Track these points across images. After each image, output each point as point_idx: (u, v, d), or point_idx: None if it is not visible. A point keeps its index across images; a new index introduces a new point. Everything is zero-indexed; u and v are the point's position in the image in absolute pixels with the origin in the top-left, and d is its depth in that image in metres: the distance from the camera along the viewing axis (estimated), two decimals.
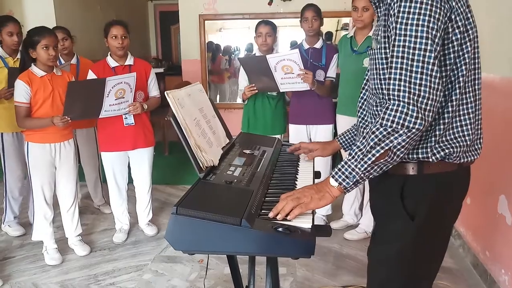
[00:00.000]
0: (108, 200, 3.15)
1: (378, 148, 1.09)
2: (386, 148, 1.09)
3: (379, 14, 1.27)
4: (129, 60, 2.77)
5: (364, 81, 1.47)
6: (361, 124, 1.37)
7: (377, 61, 1.23)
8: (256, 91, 2.82)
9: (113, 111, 2.62)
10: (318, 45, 2.90)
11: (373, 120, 1.27)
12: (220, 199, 1.23)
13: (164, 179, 4.14)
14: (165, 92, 1.35)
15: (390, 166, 1.15)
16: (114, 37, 2.66)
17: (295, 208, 1.14)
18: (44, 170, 2.56)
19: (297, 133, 2.99)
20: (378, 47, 1.21)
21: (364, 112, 1.39)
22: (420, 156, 1.19)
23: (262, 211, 1.18)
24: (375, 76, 1.25)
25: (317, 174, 1.60)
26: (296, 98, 2.98)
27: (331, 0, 4.61)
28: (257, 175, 1.40)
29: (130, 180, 3.00)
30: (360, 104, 1.44)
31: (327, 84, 2.91)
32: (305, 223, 1.12)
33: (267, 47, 2.88)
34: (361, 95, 1.46)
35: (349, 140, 1.58)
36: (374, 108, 1.27)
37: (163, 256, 2.76)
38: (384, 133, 1.09)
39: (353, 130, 1.58)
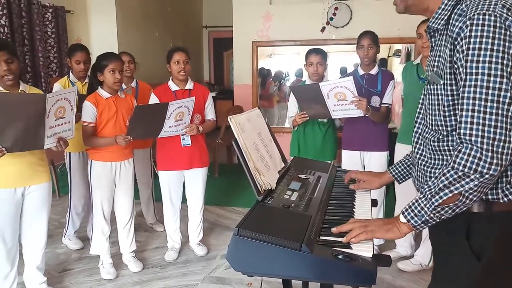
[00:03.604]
0: (160, 218, 3.25)
1: (446, 191, 1.07)
2: (456, 192, 1.06)
3: (434, 44, 1.24)
4: (189, 85, 2.89)
5: (417, 114, 1.41)
6: (419, 161, 1.33)
7: (440, 97, 1.19)
8: (307, 118, 2.84)
9: (171, 132, 2.74)
10: (373, 71, 2.89)
11: (432, 156, 1.25)
12: (279, 223, 1.25)
13: (214, 200, 4.21)
14: (228, 117, 1.40)
15: (464, 209, 1.11)
16: (176, 62, 2.80)
17: (362, 234, 1.15)
18: (104, 187, 2.70)
19: (350, 159, 2.96)
20: (442, 83, 1.16)
21: (421, 147, 1.33)
22: (489, 197, 1.14)
23: (321, 237, 1.19)
24: (437, 112, 1.21)
25: (373, 202, 1.58)
26: (349, 124, 2.97)
27: (384, 26, 4.59)
28: (314, 201, 1.41)
29: (184, 200, 3.09)
30: (415, 139, 1.38)
31: (383, 110, 2.88)
32: (365, 251, 1.11)
33: (318, 76, 2.91)
34: (415, 128, 1.40)
35: (402, 172, 1.55)
36: (435, 144, 1.23)
37: (212, 277, 2.79)
38: (455, 176, 1.06)
39: (406, 161, 1.54)
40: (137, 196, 3.38)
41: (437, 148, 1.23)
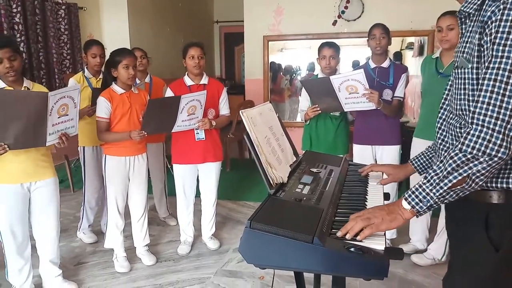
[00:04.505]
0: (172, 212, 3.28)
1: (455, 174, 1.06)
2: (464, 175, 1.05)
3: (464, 31, 1.23)
4: (204, 80, 2.91)
5: (442, 100, 1.39)
6: (441, 146, 1.32)
7: (466, 81, 1.17)
8: (319, 111, 2.83)
9: (184, 126, 2.75)
10: (385, 64, 2.86)
11: (454, 142, 1.23)
12: (291, 216, 1.25)
13: (225, 194, 4.23)
14: (240, 111, 1.41)
15: (467, 193, 1.10)
16: (191, 57, 2.82)
17: (366, 229, 1.13)
18: (118, 181, 2.73)
19: (362, 154, 2.94)
20: (470, 66, 1.15)
21: (444, 133, 1.33)
22: (510, 186, 1.13)
23: (333, 230, 1.19)
24: (462, 97, 1.20)
25: (386, 196, 1.58)
26: (361, 118, 2.95)
27: (397, 19, 4.55)
28: (326, 194, 1.41)
29: (197, 194, 3.11)
30: (439, 125, 1.37)
31: (395, 104, 2.85)
32: (377, 244, 1.11)
33: (330, 70, 2.89)
34: (440, 114, 1.38)
35: (424, 164, 1.54)
36: (458, 130, 1.22)
37: (224, 271, 2.81)
38: (463, 159, 1.05)
39: (428, 152, 1.53)
40: (150, 190, 3.41)
41: (459, 135, 1.21)
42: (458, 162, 1.06)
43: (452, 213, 1.32)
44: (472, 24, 1.18)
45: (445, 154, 1.12)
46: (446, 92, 1.37)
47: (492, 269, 1.16)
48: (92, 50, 3.07)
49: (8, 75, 2.19)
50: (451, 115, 1.28)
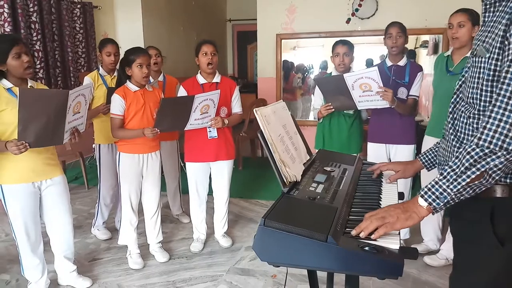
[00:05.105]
0: (186, 210, 3.30)
1: (473, 169, 1.05)
2: (482, 170, 1.04)
3: (487, 19, 1.20)
4: (217, 78, 2.92)
5: (457, 87, 1.35)
6: (452, 137, 1.29)
7: (482, 70, 1.15)
8: (333, 110, 2.82)
9: (197, 124, 2.77)
10: (401, 62, 2.84)
11: (466, 132, 1.21)
12: (305, 214, 1.25)
13: (238, 193, 4.25)
14: (254, 109, 1.41)
15: (484, 189, 1.09)
16: (204, 54, 2.82)
17: (380, 228, 1.12)
18: (132, 178, 2.76)
19: (376, 152, 2.92)
20: (488, 56, 1.13)
21: (455, 121, 1.29)
22: None
23: (347, 229, 1.19)
24: (475, 85, 1.17)
25: (400, 195, 1.56)
26: (376, 116, 2.93)
27: (411, 17, 4.50)
28: (340, 193, 1.41)
29: (210, 192, 3.12)
30: (450, 109, 1.34)
31: (410, 102, 2.82)
32: (392, 243, 1.10)
33: (344, 67, 2.87)
34: (452, 100, 1.34)
35: (432, 159, 1.53)
36: (471, 120, 1.20)
37: (237, 268, 2.82)
38: (481, 154, 1.04)
39: (436, 148, 1.52)
40: (163, 188, 3.44)
41: (471, 126, 1.20)
42: (475, 157, 1.05)
43: (455, 211, 1.30)
44: (497, 13, 1.15)
45: (461, 150, 1.10)
46: (462, 78, 1.33)
47: (500, 267, 1.15)
48: (106, 49, 3.11)
49: (27, 72, 2.19)
50: (462, 102, 1.26)
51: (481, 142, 1.04)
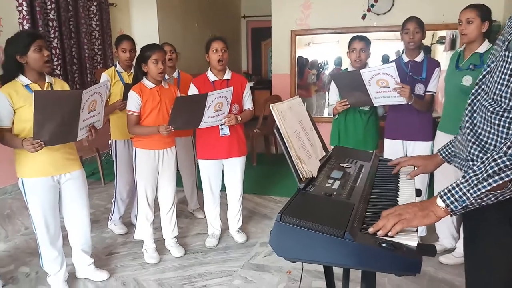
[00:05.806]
0: (202, 205, 3.32)
1: (496, 177, 1.02)
2: (506, 179, 1.01)
3: None
4: (227, 75, 2.92)
5: (480, 77, 1.28)
6: (468, 131, 1.24)
7: (510, 65, 1.10)
8: (348, 106, 2.79)
9: (210, 122, 2.78)
10: (418, 58, 2.80)
11: (484, 127, 1.18)
12: (321, 210, 1.25)
13: (252, 189, 4.26)
14: (270, 105, 1.41)
15: (507, 197, 1.06)
16: (214, 51, 2.82)
17: (397, 224, 1.11)
18: (148, 174, 2.79)
19: (393, 149, 2.89)
20: None
21: (474, 115, 1.25)
22: None
23: (364, 225, 1.18)
24: (505, 82, 1.12)
25: (417, 192, 1.55)
26: (393, 112, 2.90)
27: (428, 12, 4.43)
28: (357, 189, 1.40)
29: (223, 188, 3.14)
30: (469, 101, 1.28)
31: (427, 98, 2.79)
32: (410, 240, 1.09)
33: (360, 63, 2.84)
34: (473, 91, 1.28)
35: (452, 153, 1.50)
36: (494, 116, 1.15)
37: (252, 264, 2.83)
38: (507, 163, 1.01)
39: (454, 143, 1.50)
40: (179, 183, 3.47)
41: (490, 120, 1.16)
42: (501, 165, 1.02)
43: (469, 213, 1.27)
44: None
45: (469, 137, 1.07)
46: (487, 68, 1.25)
47: None
48: (122, 45, 3.14)
49: (47, 65, 2.24)
50: (485, 96, 1.21)
51: (510, 151, 1.01)
